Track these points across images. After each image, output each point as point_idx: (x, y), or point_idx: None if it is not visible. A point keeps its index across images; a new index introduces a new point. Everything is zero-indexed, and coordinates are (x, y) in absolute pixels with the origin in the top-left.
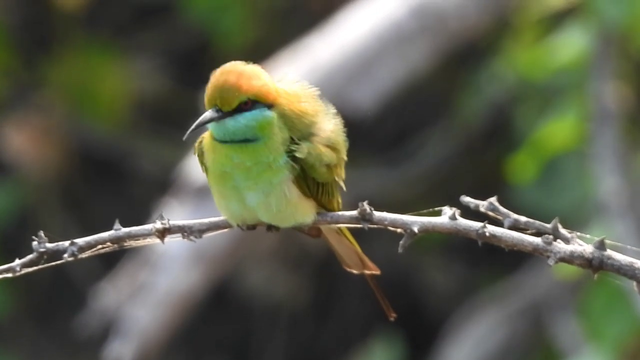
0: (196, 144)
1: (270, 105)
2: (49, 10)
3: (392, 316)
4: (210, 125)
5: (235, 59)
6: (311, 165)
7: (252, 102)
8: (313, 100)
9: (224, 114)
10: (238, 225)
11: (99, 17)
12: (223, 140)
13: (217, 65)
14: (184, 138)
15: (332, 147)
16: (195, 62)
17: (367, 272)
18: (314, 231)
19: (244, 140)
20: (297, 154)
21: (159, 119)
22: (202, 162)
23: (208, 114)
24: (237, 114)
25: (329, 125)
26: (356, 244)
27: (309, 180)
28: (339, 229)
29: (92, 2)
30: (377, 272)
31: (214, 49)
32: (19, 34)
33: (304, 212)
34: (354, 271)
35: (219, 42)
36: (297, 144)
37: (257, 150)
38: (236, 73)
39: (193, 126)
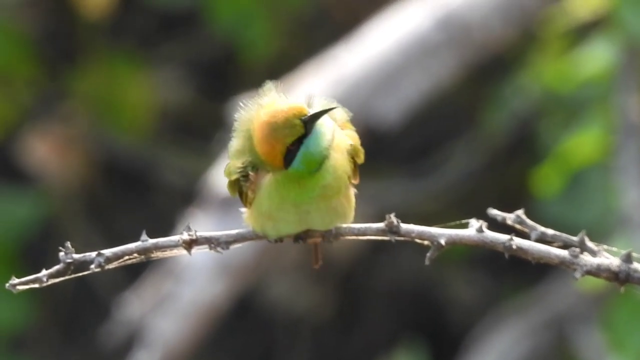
0: (231, 173)
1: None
2: (74, 20)
3: (317, 265)
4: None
5: (260, 70)
6: (360, 151)
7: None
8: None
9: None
10: (268, 238)
11: (124, 27)
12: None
13: (242, 76)
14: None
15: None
16: (219, 73)
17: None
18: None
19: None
20: (354, 143)
21: (182, 130)
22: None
23: (310, 117)
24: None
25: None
26: None
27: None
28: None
29: (117, 12)
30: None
31: (238, 60)
32: (44, 44)
33: (351, 211)
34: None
35: (243, 53)
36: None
37: (333, 164)
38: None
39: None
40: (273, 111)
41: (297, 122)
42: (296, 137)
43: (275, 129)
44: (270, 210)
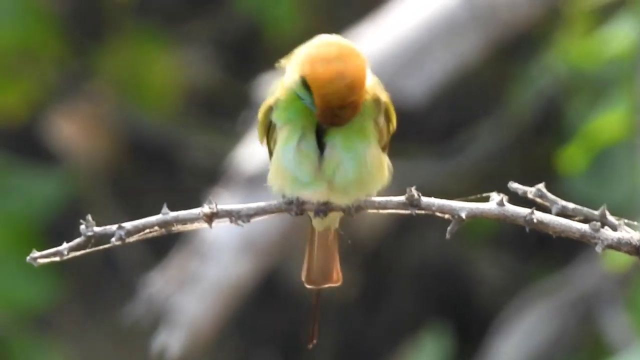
0: (267, 102)
1: None
2: None
3: (312, 342)
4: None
5: (286, 49)
6: (392, 110)
7: None
8: None
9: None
10: (287, 209)
11: (150, 6)
12: None
13: (268, 55)
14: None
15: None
16: (245, 51)
17: (329, 284)
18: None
19: None
20: (384, 99)
21: (209, 109)
22: (265, 124)
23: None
24: None
25: None
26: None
27: (389, 129)
28: (336, 232)
29: None
30: (339, 282)
31: (264, 39)
32: (70, 22)
33: (384, 172)
34: (311, 286)
35: (269, 31)
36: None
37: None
38: (346, 83)
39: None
40: (357, 68)
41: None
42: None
43: (332, 82)
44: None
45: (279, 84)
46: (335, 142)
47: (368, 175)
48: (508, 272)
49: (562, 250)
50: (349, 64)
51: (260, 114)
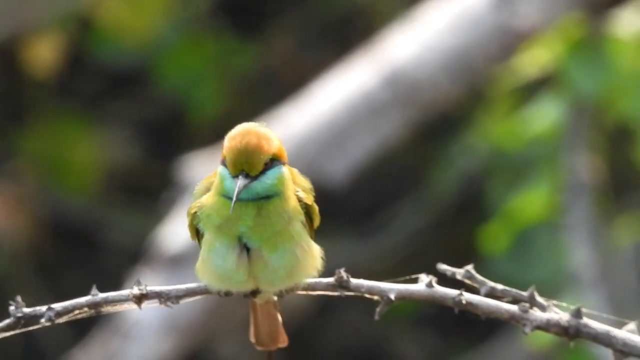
0: (191, 209)
1: (283, 162)
2: (21, 79)
3: None
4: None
5: (207, 130)
6: (315, 210)
7: (271, 161)
8: None
9: (252, 178)
10: (219, 292)
11: (71, 86)
12: (246, 200)
13: (190, 135)
14: (231, 211)
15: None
16: (167, 132)
17: (277, 346)
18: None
19: (265, 197)
20: (306, 201)
21: (130, 189)
22: (194, 226)
23: (241, 182)
24: (261, 174)
25: None
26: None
27: (312, 226)
28: (276, 302)
29: (64, 71)
30: (285, 343)
31: (186, 120)
32: None
33: (316, 262)
34: (262, 348)
35: (191, 113)
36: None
37: (280, 204)
38: (255, 135)
39: (235, 198)
40: (260, 132)
41: (265, 158)
42: (254, 166)
43: (247, 144)
44: (214, 244)
45: (202, 188)
46: (259, 245)
47: (299, 269)
48: (429, 350)
49: (483, 328)
50: (254, 129)
51: (188, 218)
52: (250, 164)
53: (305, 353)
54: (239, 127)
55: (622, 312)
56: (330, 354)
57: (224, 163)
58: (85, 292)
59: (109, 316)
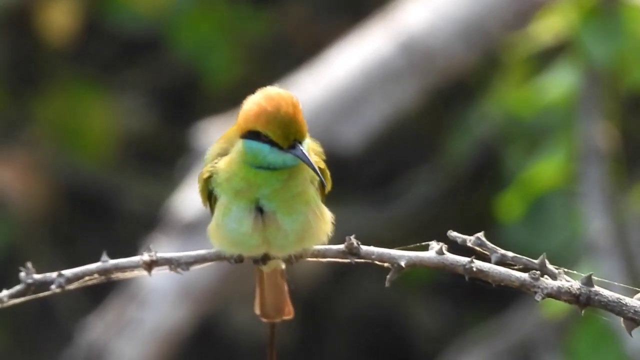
0: (203, 174)
1: None
2: (37, 46)
3: None
4: (274, 156)
5: (222, 97)
6: (326, 174)
7: None
8: None
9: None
10: (230, 258)
11: (87, 54)
12: (281, 167)
13: (205, 102)
14: (325, 184)
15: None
16: (182, 99)
17: (283, 317)
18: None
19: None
20: (319, 164)
21: (145, 156)
22: (206, 191)
23: (304, 150)
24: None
25: None
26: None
27: (324, 191)
28: (283, 271)
29: (80, 39)
30: (292, 315)
31: (201, 87)
32: (7, 70)
33: (327, 227)
34: (266, 320)
35: (206, 79)
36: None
37: (304, 168)
38: (288, 103)
39: (316, 169)
40: (286, 97)
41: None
42: (304, 133)
43: (293, 115)
44: (228, 207)
45: (214, 153)
46: (275, 208)
47: (310, 234)
48: (444, 319)
49: (499, 296)
50: (284, 95)
51: (200, 183)
52: (301, 132)
53: (319, 321)
54: (264, 97)
55: (637, 281)
56: (345, 322)
57: (250, 136)
58: (100, 259)
59: (124, 283)
